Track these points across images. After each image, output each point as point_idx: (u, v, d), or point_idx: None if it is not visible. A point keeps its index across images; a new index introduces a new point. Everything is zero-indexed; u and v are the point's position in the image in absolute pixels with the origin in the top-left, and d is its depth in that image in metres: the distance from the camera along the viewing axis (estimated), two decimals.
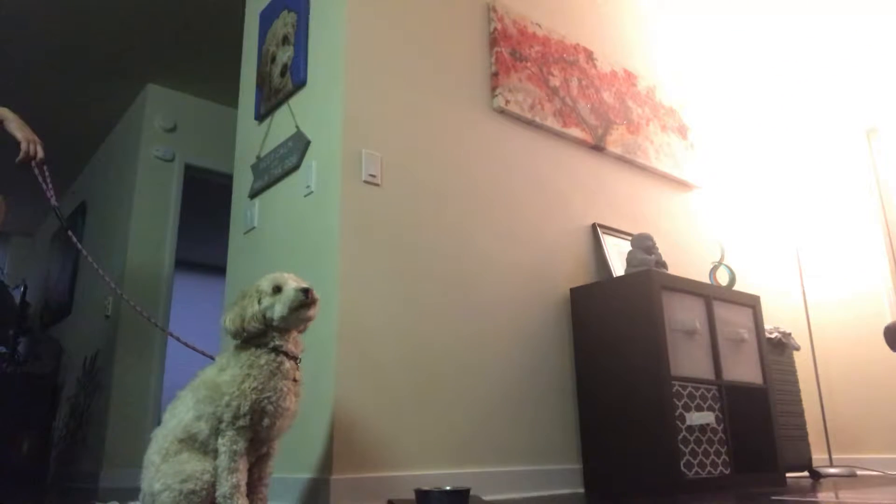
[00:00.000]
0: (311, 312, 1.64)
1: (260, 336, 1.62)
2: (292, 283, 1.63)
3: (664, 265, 2.85)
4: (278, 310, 1.59)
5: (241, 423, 1.54)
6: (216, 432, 1.56)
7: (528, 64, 3.03)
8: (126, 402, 4.13)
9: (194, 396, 1.60)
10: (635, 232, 3.23)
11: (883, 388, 3.82)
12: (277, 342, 1.62)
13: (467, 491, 1.96)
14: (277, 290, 1.62)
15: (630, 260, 2.84)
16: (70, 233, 2.43)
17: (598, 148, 3.24)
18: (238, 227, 2.94)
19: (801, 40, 4.48)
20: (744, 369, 2.85)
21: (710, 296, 2.80)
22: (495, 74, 2.88)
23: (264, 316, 1.60)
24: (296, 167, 2.55)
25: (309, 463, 2.12)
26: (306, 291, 1.60)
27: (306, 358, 1.78)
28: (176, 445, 1.56)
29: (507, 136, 2.89)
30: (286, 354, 1.62)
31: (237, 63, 3.54)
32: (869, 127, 4.18)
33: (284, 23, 2.83)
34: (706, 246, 3.66)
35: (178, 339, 2.07)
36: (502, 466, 2.45)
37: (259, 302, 1.61)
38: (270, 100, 2.81)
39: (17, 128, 2.51)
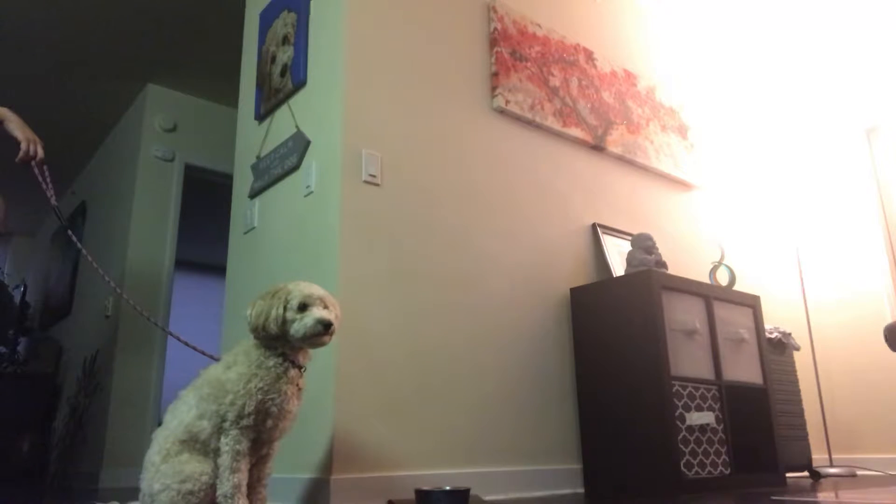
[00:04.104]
0: (325, 342, 1.64)
1: (274, 339, 1.62)
2: (318, 309, 1.61)
3: (664, 265, 2.85)
4: (295, 328, 1.60)
5: (244, 422, 1.55)
6: (219, 431, 1.56)
7: (528, 64, 3.03)
8: (126, 402, 4.13)
9: (197, 395, 1.61)
10: (635, 232, 3.23)
11: (883, 388, 3.82)
12: (288, 350, 1.64)
13: (467, 491, 1.96)
14: (303, 308, 1.61)
15: (630, 260, 2.84)
16: (70, 232, 2.43)
17: (598, 148, 3.24)
18: (238, 227, 2.94)
19: (801, 40, 4.48)
20: (744, 369, 2.84)
21: (710, 296, 2.80)
22: (495, 74, 2.88)
23: (284, 323, 1.61)
24: (296, 167, 2.55)
25: (309, 463, 2.12)
26: (327, 326, 1.60)
27: None
28: (177, 446, 1.56)
29: (507, 136, 2.89)
30: (293, 363, 1.64)
31: (237, 63, 3.54)
32: (869, 127, 4.18)
33: (284, 23, 2.83)
34: (706, 246, 3.66)
35: (178, 339, 2.07)
36: (502, 466, 2.45)
37: (285, 309, 1.61)
38: (270, 100, 2.81)
39: (17, 127, 2.51)
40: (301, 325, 1.59)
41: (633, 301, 2.59)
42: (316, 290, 1.65)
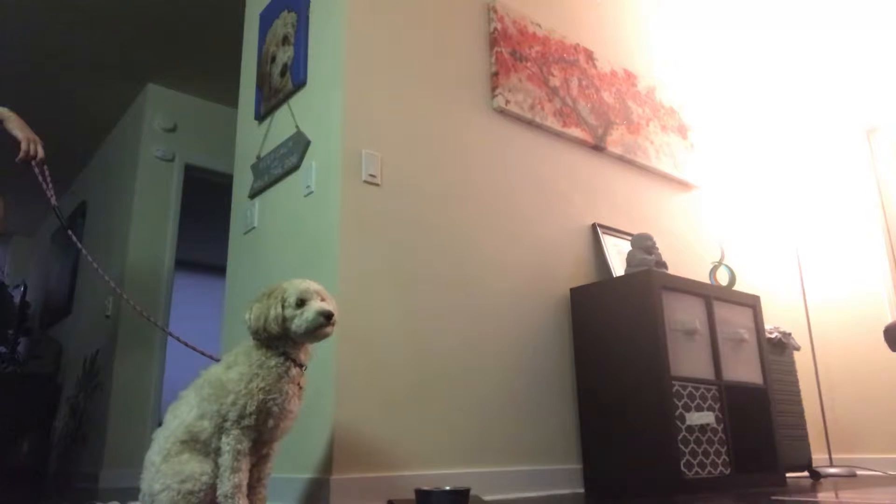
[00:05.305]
0: (328, 333, 1.65)
1: (276, 339, 1.63)
2: (316, 302, 1.62)
3: (664, 265, 2.85)
4: (297, 324, 1.60)
5: (246, 422, 1.55)
6: (219, 431, 1.56)
7: (528, 64, 3.03)
8: (126, 402, 4.13)
9: (198, 395, 1.61)
10: (635, 232, 3.23)
11: (883, 388, 3.82)
12: (289, 349, 1.64)
13: (467, 491, 1.96)
14: (301, 303, 1.62)
15: (630, 260, 2.84)
16: (70, 233, 2.43)
17: (598, 148, 3.24)
18: (238, 227, 2.94)
19: (802, 40, 4.48)
20: (744, 369, 2.84)
21: (710, 296, 2.80)
22: (495, 74, 2.88)
23: (284, 321, 1.61)
24: (296, 167, 2.55)
25: (309, 463, 2.12)
26: (328, 316, 1.60)
27: None
28: (177, 446, 1.56)
29: (507, 136, 2.89)
30: (294, 361, 1.64)
31: (237, 63, 3.54)
32: (869, 127, 4.18)
33: (284, 23, 2.83)
34: (706, 246, 3.66)
35: (178, 340, 2.07)
36: (502, 466, 2.45)
37: (283, 307, 1.61)
38: (270, 100, 2.81)
39: (17, 127, 2.51)
40: (302, 319, 1.60)
41: (633, 301, 2.59)
42: (311, 284, 1.66)
